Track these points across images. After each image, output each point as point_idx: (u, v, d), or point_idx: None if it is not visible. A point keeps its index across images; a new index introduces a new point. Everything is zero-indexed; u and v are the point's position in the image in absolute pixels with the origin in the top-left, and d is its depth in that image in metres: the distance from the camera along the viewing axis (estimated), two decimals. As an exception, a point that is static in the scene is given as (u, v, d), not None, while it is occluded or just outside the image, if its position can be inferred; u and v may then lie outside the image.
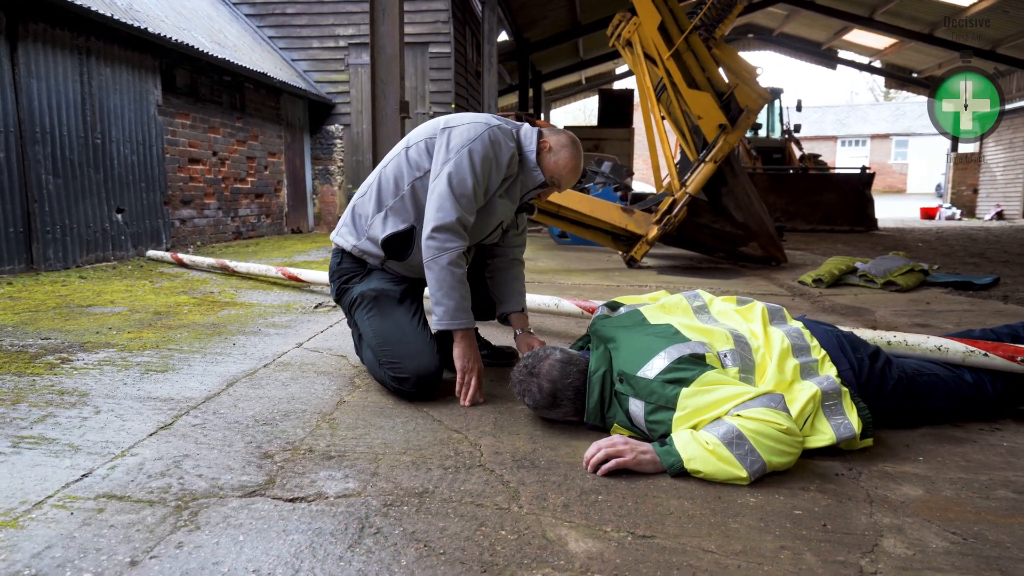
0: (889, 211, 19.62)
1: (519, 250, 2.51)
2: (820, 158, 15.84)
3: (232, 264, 4.90)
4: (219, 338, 2.99)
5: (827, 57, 20.54)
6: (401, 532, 1.37)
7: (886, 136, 39.87)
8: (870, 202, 11.52)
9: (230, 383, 2.33)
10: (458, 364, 2.13)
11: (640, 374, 1.81)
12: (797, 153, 14.82)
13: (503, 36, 15.35)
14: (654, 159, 6.66)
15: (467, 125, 2.13)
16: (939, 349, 2.19)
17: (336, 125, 10.08)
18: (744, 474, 1.60)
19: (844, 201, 11.36)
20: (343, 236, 2.33)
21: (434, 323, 2.12)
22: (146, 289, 4.28)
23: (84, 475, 1.59)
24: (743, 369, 1.88)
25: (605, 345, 2.02)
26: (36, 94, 4.97)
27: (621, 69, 23.42)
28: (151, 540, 1.31)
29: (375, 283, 2.25)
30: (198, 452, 1.74)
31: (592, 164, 9.00)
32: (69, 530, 1.34)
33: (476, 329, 2.68)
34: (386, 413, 2.07)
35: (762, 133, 15.64)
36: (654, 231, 5.98)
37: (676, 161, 8.38)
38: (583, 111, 45.71)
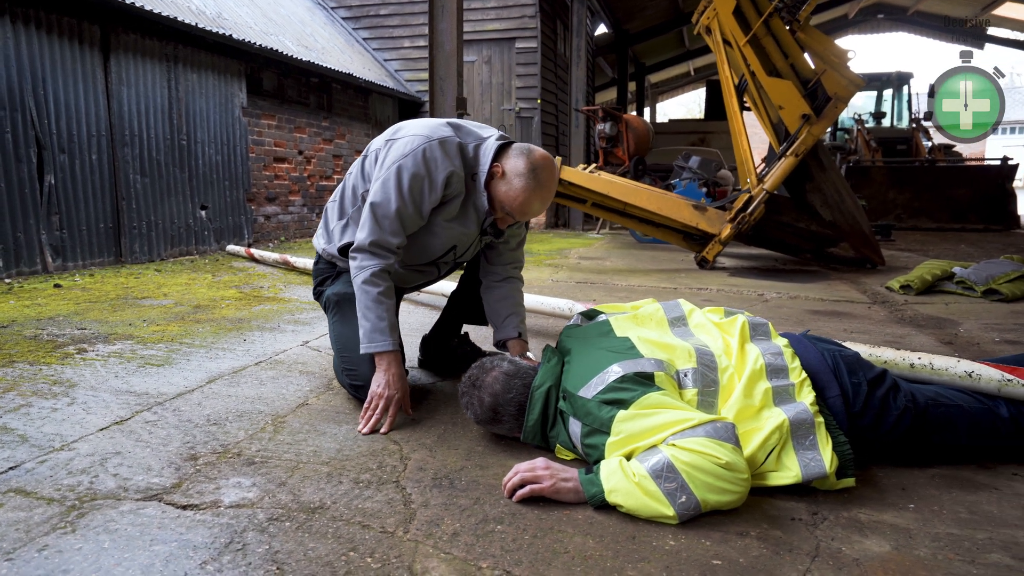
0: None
1: (512, 268, 2.31)
2: (954, 148, 14.33)
3: (292, 259, 5.07)
4: (235, 333, 3.07)
5: (973, 36, 18.52)
6: (264, 551, 1.30)
7: (1049, 123, 35.55)
8: (1012, 197, 10.28)
9: (211, 380, 2.37)
10: (370, 388, 1.96)
11: (581, 392, 1.65)
12: (926, 144, 13.48)
13: (602, 28, 15.02)
14: (738, 153, 6.24)
15: (407, 138, 1.97)
16: (970, 375, 1.85)
17: (425, 123, 10.24)
18: (671, 512, 1.40)
19: (979, 196, 10.21)
20: (317, 238, 2.32)
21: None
22: (204, 283, 4.51)
23: (11, 467, 1.64)
24: (703, 392, 1.67)
25: (560, 357, 1.86)
26: (126, 100, 5.37)
27: (734, 58, 22.30)
28: (20, 541, 1.32)
29: (340, 287, 2.21)
30: (132, 450, 1.76)
31: (679, 159, 8.60)
32: (-43, 524, 1.38)
33: (465, 336, 2.58)
34: (339, 419, 2.02)
35: (886, 122, 14.36)
36: (727, 230, 5.60)
37: (764, 156, 7.83)
38: (698, 103, 43.93)
